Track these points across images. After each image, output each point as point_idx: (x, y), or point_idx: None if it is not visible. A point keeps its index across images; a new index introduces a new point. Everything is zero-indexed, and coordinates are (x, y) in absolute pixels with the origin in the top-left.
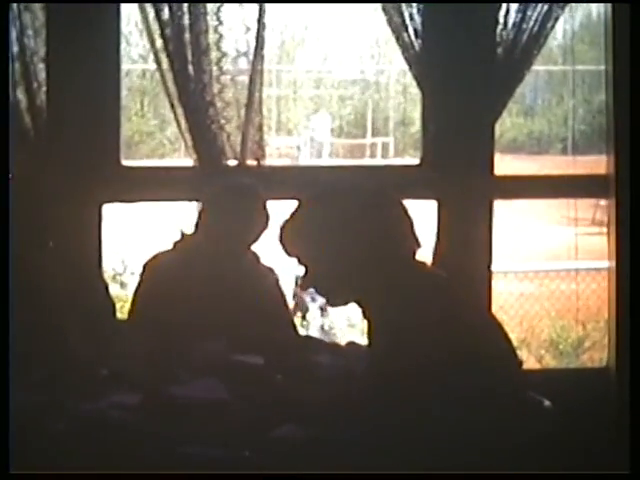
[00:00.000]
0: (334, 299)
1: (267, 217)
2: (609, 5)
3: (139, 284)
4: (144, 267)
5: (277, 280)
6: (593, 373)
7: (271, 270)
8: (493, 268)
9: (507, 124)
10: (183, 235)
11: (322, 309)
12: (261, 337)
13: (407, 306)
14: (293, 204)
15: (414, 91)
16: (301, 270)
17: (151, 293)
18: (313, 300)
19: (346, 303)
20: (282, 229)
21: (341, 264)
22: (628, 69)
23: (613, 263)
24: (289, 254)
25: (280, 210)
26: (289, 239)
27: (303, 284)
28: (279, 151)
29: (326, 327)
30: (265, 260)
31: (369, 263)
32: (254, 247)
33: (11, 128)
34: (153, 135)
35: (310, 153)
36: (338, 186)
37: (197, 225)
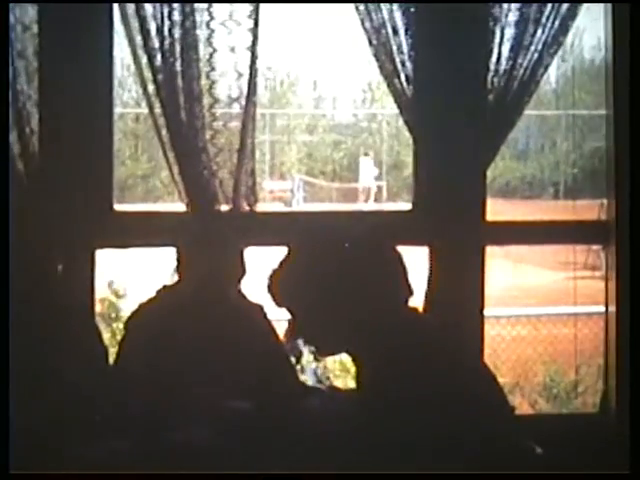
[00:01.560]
0: (323, 349)
1: (243, 264)
2: (604, 50)
3: (124, 337)
4: (128, 319)
5: (266, 316)
6: (587, 418)
7: (260, 307)
8: (486, 313)
9: (500, 167)
10: (165, 285)
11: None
12: (252, 381)
13: (398, 355)
14: (284, 250)
15: (407, 135)
16: (290, 318)
17: (137, 344)
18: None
19: (335, 353)
20: (270, 278)
21: (330, 314)
22: (627, 112)
23: (611, 308)
24: (278, 304)
25: (272, 256)
26: (277, 289)
27: (291, 333)
28: (272, 194)
29: (319, 372)
30: (252, 298)
31: (360, 312)
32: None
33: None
34: (147, 178)
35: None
36: (329, 234)
37: (178, 271)
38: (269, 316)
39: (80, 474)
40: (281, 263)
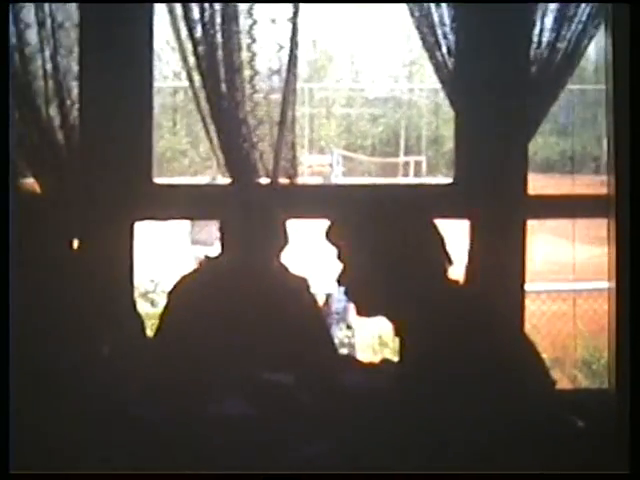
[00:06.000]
0: (363, 307)
1: (286, 234)
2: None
3: (166, 307)
4: (172, 290)
5: (308, 289)
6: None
7: (303, 279)
8: (526, 287)
9: (539, 143)
10: (207, 257)
11: (349, 327)
12: (294, 354)
13: (438, 322)
14: (324, 223)
15: (446, 109)
16: (338, 268)
17: (180, 314)
18: (338, 321)
19: (373, 315)
20: (330, 226)
21: (375, 274)
22: None
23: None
24: (333, 243)
25: (311, 228)
26: (335, 231)
27: (338, 281)
28: (311, 169)
29: (355, 344)
30: (295, 270)
31: (401, 277)
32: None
33: (44, 145)
34: (185, 152)
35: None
36: (375, 203)
37: (222, 244)
38: (312, 289)
39: (80, 474)
40: (336, 219)
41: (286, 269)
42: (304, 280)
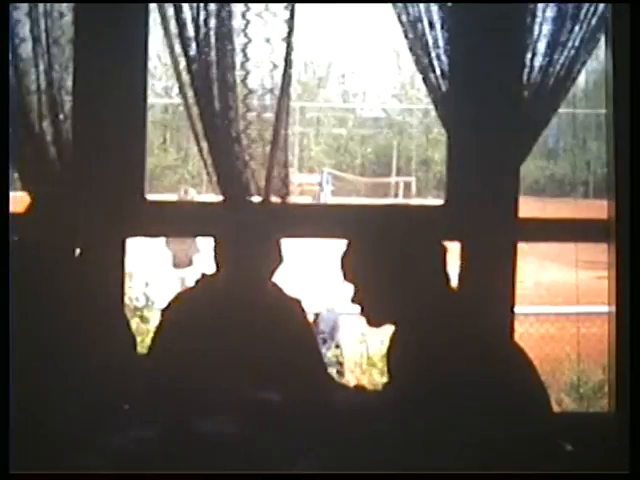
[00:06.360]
0: (375, 317)
1: (280, 254)
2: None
3: (162, 322)
4: (167, 305)
5: (302, 309)
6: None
7: (297, 300)
8: (515, 310)
9: (530, 167)
10: (203, 274)
11: (337, 346)
12: (285, 371)
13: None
14: (317, 242)
15: (436, 131)
16: (350, 290)
17: (174, 330)
18: (326, 340)
19: (383, 324)
20: (342, 258)
21: (387, 288)
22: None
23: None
24: (346, 279)
25: (308, 247)
26: (347, 266)
27: (352, 301)
28: (301, 188)
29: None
30: (288, 290)
31: (405, 292)
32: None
33: (37, 160)
34: (175, 169)
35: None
36: (380, 222)
37: (216, 262)
38: (304, 309)
39: (80, 474)
40: (348, 247)
41: (279, 288)
42: (297, 300)
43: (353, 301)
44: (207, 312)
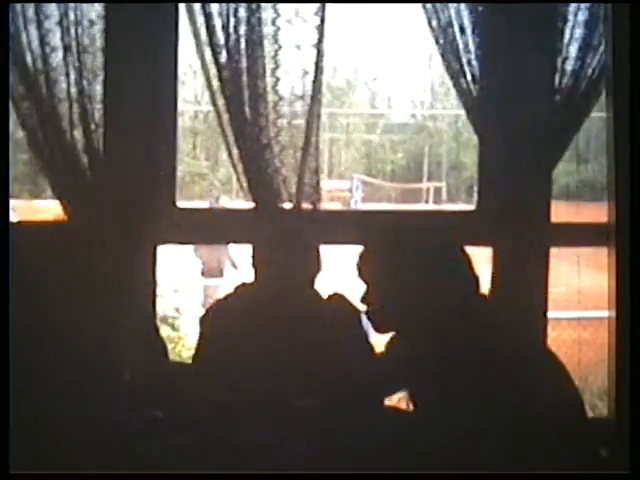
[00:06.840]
0: (382, 323)
1: (320, 261)
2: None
3: (202, 333)
4: (204, 316)
5: (350, 304)
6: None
7: (340, 296)
8: (548, 315)
9: (560, 169)
10: (243, 283)
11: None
12: (326, 379)
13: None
14: (349, 248)
15: (466, 136)
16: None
17: (216, 338)
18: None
19: (390, 330)
20: (360, 257)
21: (396, 293)
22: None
23: None
24: (361, 277)
25: (337, 253)
26: (364, 265)
27: (362, 301)
28: (331, 194)
29: None
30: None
31: (430, 295)
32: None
33: (68, 169)
34: (205, 176)
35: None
36: (403, 229)
37: (254, 269)
38: (349, 302)
39: (80, 474)
40: (365, 248)
41: (321, 297)
42: (340, 296)
43: (362, 300)
44: (251, 320)
